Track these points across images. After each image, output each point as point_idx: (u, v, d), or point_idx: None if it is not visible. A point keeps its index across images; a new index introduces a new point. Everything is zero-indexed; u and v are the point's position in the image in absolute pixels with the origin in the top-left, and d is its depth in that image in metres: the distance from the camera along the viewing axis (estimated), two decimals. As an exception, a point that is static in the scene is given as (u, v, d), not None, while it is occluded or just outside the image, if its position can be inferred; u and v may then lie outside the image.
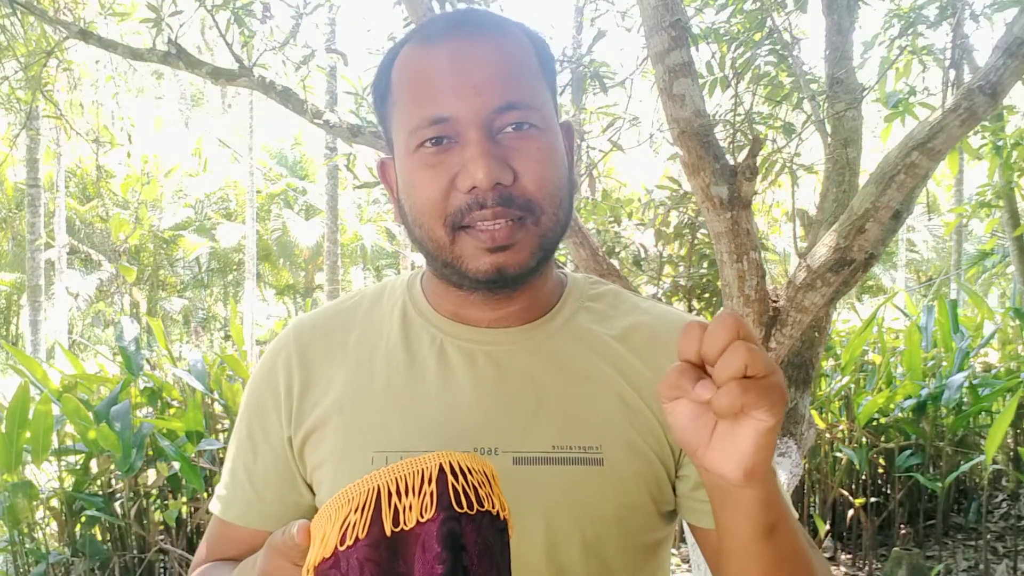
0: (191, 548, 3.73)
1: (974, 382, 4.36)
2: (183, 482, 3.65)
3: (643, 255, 3.28)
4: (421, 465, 0.56)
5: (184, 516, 3.74)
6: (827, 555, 4.13)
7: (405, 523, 0.54)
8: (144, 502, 3.74)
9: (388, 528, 0.54)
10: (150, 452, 3.70)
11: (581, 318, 0.82)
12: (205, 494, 3.70)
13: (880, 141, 2.85)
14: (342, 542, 0.55)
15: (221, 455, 3.68)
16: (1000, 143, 3.68)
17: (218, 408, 4.15)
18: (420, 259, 0.81)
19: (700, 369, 0.54)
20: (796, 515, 0.67)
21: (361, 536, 0.54)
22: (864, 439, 4.18)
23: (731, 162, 1.91)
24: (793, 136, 2.70)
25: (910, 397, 4.20)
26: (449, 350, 0.80)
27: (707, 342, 0.53)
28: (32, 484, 3.45)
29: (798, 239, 2.33)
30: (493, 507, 0.56)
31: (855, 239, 1.82)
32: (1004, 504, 4.73)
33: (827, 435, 4.10)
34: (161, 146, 18.61)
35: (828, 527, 4.04)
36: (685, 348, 0.55)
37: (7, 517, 3.34)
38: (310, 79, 3.33)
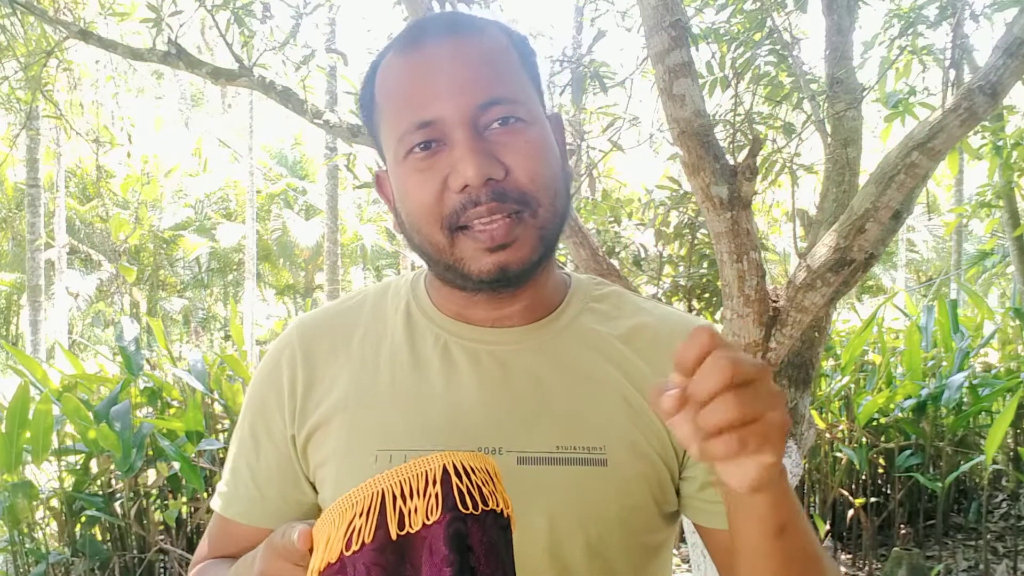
0: (191, 548, 3.73)
1: (974, 382, 4.35)
2: (183, 482, 3.65)
3: (643, 255, 3.28)
4: (425, 467, 0.55)
5: (184, 516, 3.74)
6: (827, 555, 4.12)
7: (411, 526, 0.54)
8: (144, 502, 3.74)
9: (394, 532, 0.54)
10: (150, 452, 3.69)
11: (585, 319, 0.83)
12: (205, 494, 3.70)
13: (880, 141, 2.84)
14: (347, 547, 0.55)
15: (221, 455, 3.68)
16: (1000, 143, 3.67)
17: (218, 408, 4.15)
18: (420, 259, 0.81)
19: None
20: (806, 515, 0.67)
21: (367, 541, 0.54)
22: (864, 439, 4.18)
23: (731, 162, 1.91)
24: (793, 136, 2.70)
25: (910, 397, 4.20)
26: (453, 350, 0.80)
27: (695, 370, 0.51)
28: (32, 484, 3.45)
29: (798, 239, 2.33)
30: (497, 505, 0.56)
31: (855, 239, 1.82)
32: (1004, 504, 4.73)
33: (827, 435, 4.10)
34: (161, 146, 18.60)
35: (828, 527, 4.05)
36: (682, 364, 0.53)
37: (7, 517, 3.34)
38: (310, 79, 3.33)
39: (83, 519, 3.68)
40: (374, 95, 0.78)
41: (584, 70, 2.75)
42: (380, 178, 0.83)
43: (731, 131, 2.53)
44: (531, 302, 0.80)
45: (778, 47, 2.51)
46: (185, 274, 20.20)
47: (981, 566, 3.74)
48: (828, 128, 2.38)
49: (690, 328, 0.83)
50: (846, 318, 7.10)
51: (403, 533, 0.54)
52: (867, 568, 3.91)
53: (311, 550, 0.58)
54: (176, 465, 3.61)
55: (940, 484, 4.00)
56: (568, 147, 2.80)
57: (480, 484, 0.56)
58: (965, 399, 4.34)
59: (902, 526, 4.33)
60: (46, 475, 3.77)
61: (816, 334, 2.24)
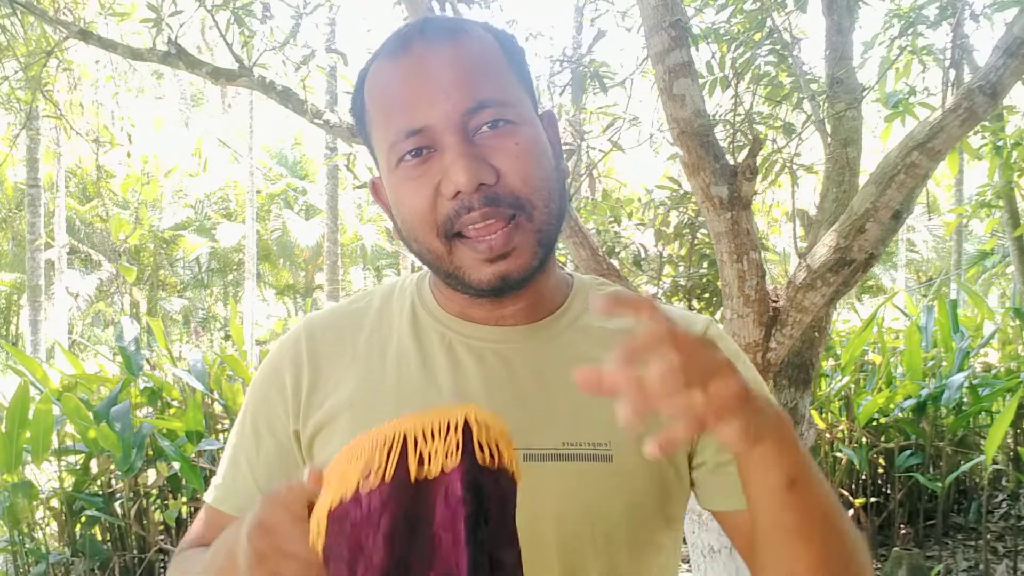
0: (191, 548, 3.73)
1: (974, 382, 4.35)
2: (183, 482, 3.65)
3: (643, 255, 3.27)
4: (447, 415, 0.56)
5: (184, 516, 3.74)
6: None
7: (430, 469, 0.54)
8: (144, 502, 3.74)
9: (413, 472, 0.54)
10: (150, 452, 3.69)
11: (588, 317, 0.83)
12: (205, 494, 3.70)
13: (880, 141, 2.84)
14: (365, 481, 0.55)
15: (221, 455, 3.68)
16: (1000, 143, 3.67)
17: (218, 408, 4.15)
18: (420, 262, 0.81)
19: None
20: (823, 476, 0.66)
21: (387, 478, 0.54)
22: (864, 439, 4.18)
23: (731, 162, 1.91)
24: (793, 136, 2.70)
25: (910, 397, 4.20)
26: (458, 348, 0.80)
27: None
28: (32, 484, 3.46)
29: (798, 239, 2.33)
30: (509, 465, 0.57)
31: (855, 239, 1.82)
32: (1004, 504, 4.73)
33: (827, 435, 4.10)
34: (161, 146, 18.60)
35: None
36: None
37: (7, 517, 3.34)
38: (310, 79, 3.33)
39: (83, 519, 3.68)
40: (364, 104, 0.78)
41: (584, 70, 2.74)
42: (376, 185, 0.83)
43: (731, 131, 2.53)
44: (533, 302, 0.81)
45: (778, 47, 2.51)
46: (185, 274, 20.20)
47: (981, 566, 3.74)
48: (828, 128, 2.38)
49: (692, 325, 0.84)
50: (846, 318, 7.10)
51: (422, 476, 0.54)
52: (867, 568, 3.91)
53: (312, 515, 0.57)
54: (176, 465, 3.61)
55: (940, 484, 4.00)
56: (568, 147, 2.80)
57: (497, 439, 0.56)
58: (965, 399, 4.34)
59: (902, 526, 4.32)
60: (46, 475, 3.78)
61: (816, 334, 2.24)
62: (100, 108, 7.26)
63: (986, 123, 3.31)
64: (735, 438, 0.55)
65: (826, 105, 2.40)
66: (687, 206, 3.06)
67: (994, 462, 4.05)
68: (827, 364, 4.64)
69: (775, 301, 1.95)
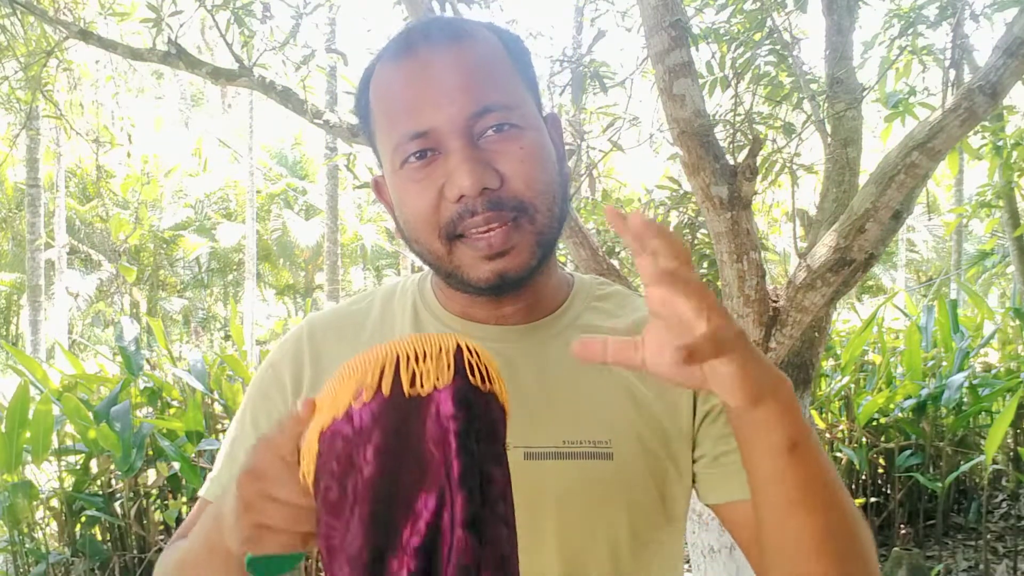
0: (191, 548, 3.73)
1: (974, 382, 4.35)
2: (183, 482, 3.65)
3: (643, 255, 3.27)
4: (439, 339, 0.57)
5: (184, 516, 3.74)
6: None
7: (422, 387, 0.55)
8: (144, 502, 3.74)
9: (406, 389, 0.55)
10: (150, 452, 3.70)
11: (589, 316, 0.83)
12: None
13: (880, 141, 2.84)
14: (356, 400, 0.55)
15: (221, 455, 3.68)
16: (1000, 143, 3.67)
17: (218, 408, 4.15)
18: (421, 262, 0.82)
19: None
20: (822, 446, 0.65)
21: (384, 394, 0.55)
22: (864, 439, 4.18)
23: (731, 162, 1.92)
24: (793, 136, 2.70)
25: (910, 397, 4.20)
26: None
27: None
28: (32, 484, 3.46)
29: (798, 239, 2.33)
30: (500, 393, 0.57)
31: (855, 239, 1.82)
32: (1004, 504, 4.73)
33: (827, 435, 4.10)
34: (161, 146, 18.60)
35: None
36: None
37: (7, 517, 3.34)
38: (310, 79, 3.33)
39: (83, 519, 3.68)
40: (369, 103, 0.78)
41: (584, 70, 2.75)
42: (379, 183, 0.83)
43: (731, 131, 2.53)
44: (533, 301, 0.81)
45: (778, 47, 2.51)
46: (185, 274, 20.20)
47: (981, 566, 3.74)
48: (828, 128, 2.38)
49: None
50: (846, 318, 7.10)
51: (414, 392, 0.55)
52: (867, 568, 3.91)
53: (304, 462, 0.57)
54: (176, 465, 3.61)
55: (940, 484, 4.00)
56: (568, 147, 2.80)
57: (487, 365, 0.57)
58: (965, 399, 4.34)
59: (902, 526, 4.32)
60: (46, 475, 3.77)
61: (816, 334, 2.24)
62: (100, 108, 7.26)
63: (986, 123, 3.31)
64: (735, 383, 0.55)
65: (826, 105, 2.40)
66: (687, 206, 3.06)
67: (994, 462, 4.05)
68: (827, 364, 4.64)
69: (775, 301, 1.95)
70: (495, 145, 0.72)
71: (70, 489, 3.65)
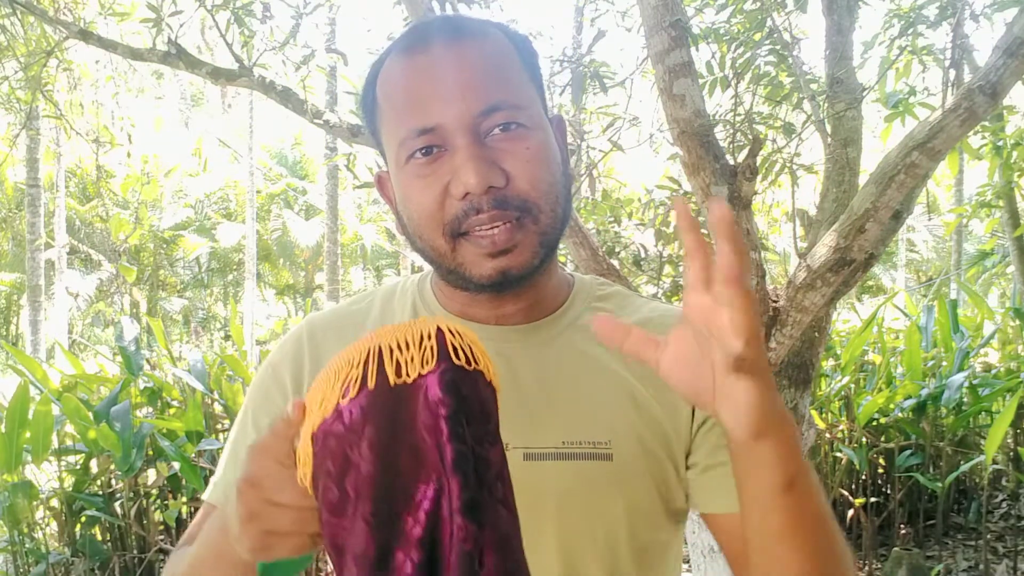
0: (191, 548, 3.73)
1: (974, 382, 4.36)
2: (183, 482, 3.65)
3: (643, 255, 3.27)
4: (419, 326, 0.57)
5: (184, 516, 3.74)
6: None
7: (407, 375, 0.55)
8: (144, 502, 3.74)
9: (392, 378, 0.54)
10: (150, 452, 3.70)
11: (589, 317, 0.83)
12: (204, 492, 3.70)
13: (880, 141, 2.84)
14: (343, 397, 0.55)
15: (221, 455, 3.68)
16: (1000, 143, 3.67)
17: (218, 408, 4.15)
18: (420, 259, 0.82)
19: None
20: (818, 480, 0.65)
21: (370, 386, 0.55)
22: (864, 439, 4.17)
23: (731, 162, 1.92)
24: (793, 136, 2.70)
25: (910, 397, 4.20)
26: None
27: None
28: (32, 484, 3.46)
29: (798, 239, 2.33)
30: (487, 370, 0.57)
31: (855, 239, 1.82)
32: (1004, 504, 4.73)
33: (827, 435, 4.10)
34: (161, 146, 18.60)
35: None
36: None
37: (7, 517, 3.34)
38: (310, 79, 3.33)
39: (83, 519, 3.68)
40: (376, 97, 0.78)
41: (584, 70, 2.74)
42: (382, 179, 0.83)
43: (731, 131, 2.53)
44: (533, 301, 0.81)
45: (778, 47, 2.51)
46: (185, 274, 20.20)
47: (981, 566, 3.74)
48: (828, 128, 2.38)
49: None
50: (846, 318, 7.10)
51: (400, 381, 0.54)
52: (867, 568, 3.91)
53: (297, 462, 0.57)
54: (176, 465, 3.61)
55: (940, 484, 4.00)
56: (568, 147, 2.79)
57: (471, 344, 0.57)
58: (965, 399, 4.34)
59: (902, 526, 4.32)
60: (46, 475, 3.78)
61: (816, 334, 2.24)
62: (100, 108, 7.26)
63: (986, 123, 3.31)
64: (748, 411, 0.55)
65: (826, 105, 2.39)
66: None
67: (994, 462, 4.05)
68: (827, 364, 4.64)
69: (775, 301, 1.95)
70: (501, 144, 0.72)
71: (70, 489, 3.65)
